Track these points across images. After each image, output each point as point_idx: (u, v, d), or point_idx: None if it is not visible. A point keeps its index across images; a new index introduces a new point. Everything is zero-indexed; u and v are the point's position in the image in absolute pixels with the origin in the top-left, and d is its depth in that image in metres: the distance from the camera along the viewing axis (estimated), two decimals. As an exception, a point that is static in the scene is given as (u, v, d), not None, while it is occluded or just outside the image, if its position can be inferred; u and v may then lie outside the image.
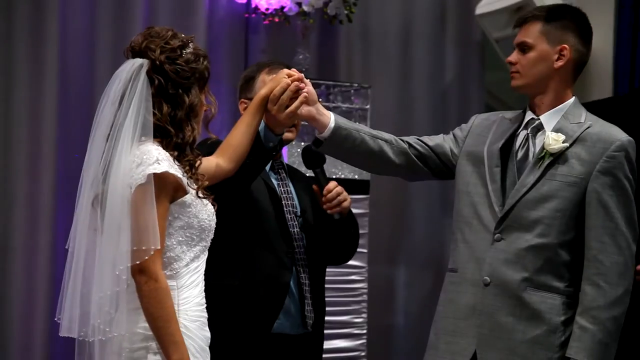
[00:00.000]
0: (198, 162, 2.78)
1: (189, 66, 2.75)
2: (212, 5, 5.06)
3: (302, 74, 3.14)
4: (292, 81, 3.09)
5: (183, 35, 2.80)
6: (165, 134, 2.72)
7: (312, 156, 3.38)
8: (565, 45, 3.21)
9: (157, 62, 2.73)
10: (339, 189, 3.36)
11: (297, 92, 3.10)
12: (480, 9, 5.47)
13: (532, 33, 3.22)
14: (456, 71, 5.81)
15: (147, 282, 2.61)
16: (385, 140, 3.30)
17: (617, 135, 3.17)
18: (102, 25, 4.77)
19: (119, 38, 4.74)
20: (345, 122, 3.26)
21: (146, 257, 2.60)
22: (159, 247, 2.61)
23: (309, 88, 3.13)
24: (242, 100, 3.51)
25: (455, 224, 3.30)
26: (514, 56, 3.24)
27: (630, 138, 3.18)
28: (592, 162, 3.13)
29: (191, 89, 2.75)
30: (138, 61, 2.74)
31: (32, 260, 4.55)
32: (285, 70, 3.13)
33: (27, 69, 4.60)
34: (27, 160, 4.58)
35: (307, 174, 3.60)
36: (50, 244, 4.56)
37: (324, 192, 3.34)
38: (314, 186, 3.38)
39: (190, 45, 2.79)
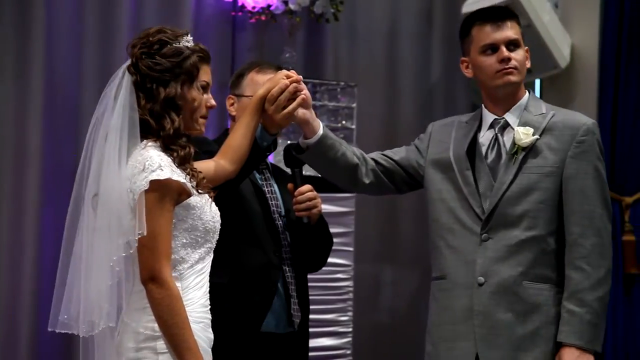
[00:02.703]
0: (183, 152, 2.76)
1: (167, 60, 2.75)
2: (198, 3, 5.06)
3: (300, 77, 3.13)
4: (291, 82, 3.08)
5: (172, 31, 2.80)
6: (147, 127, 2.73)
7: (294, 156, 3.37)
8: (527, 48, 3.30)
9: (134, 59, 2.76)
10: (311, 194, 3.35)
11: (295, 93, 3.09)
12: (466, 8, 5.46)
13: (517, 32, 3.27)
14: (442, 69, 5.82)
15: (158, 289, 2.61)
16: (358, 158, 3.32)
17: (582, 119, 3.24)
18: (88, 23, 4.76)
19: (105, 35, 4.74)
20: (331, 134, 3.28)
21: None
22: (145, 233, 2.62)
23: (306, 91, 3.13)
24: (230, 95, 3.52)
25: (434, 233, 3.30)
26: (507, 52, 3.24)
27: (594, 120, 3.25)
28: (563, 150, 3.19)
29: (169, 83, 2.76)
30: (128, 61, 2.78)
31: (18, 258, 4.54)
32: (284, 72, 3.11)
33: (12, 67, 4.59)
34: (12, 158, 4.57)
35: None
36: (36, 242, 4.55)
37: (296, 193, 3.34)
38: (289, 185, 3.38)
39: (182, 40, 2.79)
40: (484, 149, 3.26)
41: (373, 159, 3.36)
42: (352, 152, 3.31)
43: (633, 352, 5.27)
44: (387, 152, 3.39)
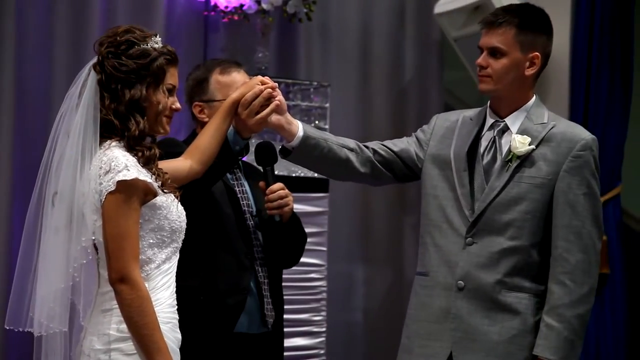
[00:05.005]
0: (148, 153, 2.76)
1: (133, 61, 2.74)
2: (170, 3, 5.04)
3: (276, 84, 3.13)
4: (265, 89, 3.08)
5: (141, 32, 2.79)
6: (111, 127, 2.72)
7: (265, 154, 3.37)
8: (537, 54, 3.22)
9: (100, 58, 2.75)
10: (283, 192, 3.35)
11: (269, 99, 3.09)
12: (438, 8, 5.48)
13: (506, 39, 3.20)
14: (415, 70, 5.83)
15: (129, 290, 2.61)
16: (351, 150, 3.29)
17: (581, 134, 3.21)
18: (60, 22, 4.73)
19: (76, 35, 4.71)
20: (313, 132, 3.25)
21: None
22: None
23: (280, 97, 3.13)
24: (197, 103, 3.49)
25: (423, 228, 3.30)
26: (484, 59, 3.22)
27: (594, 136, 3.22)
28: (558, 163, 3.16)
29: (135, 84, 2.74)
30: (95, 59, 2.77)
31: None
32: (259, 77, 3.12)
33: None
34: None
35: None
36: (6, 240, 4.52)
37: (267, 191, 3.34)
38: (261, 183, 3.38)
39: (150, 41, 2.77)
40: (481, 150, 3.24)
41: (372, 148, 3.32)
42: (340, 145, 3.28)
43: (604, 352, 5.30)
44: (387, 143, 3.37)
